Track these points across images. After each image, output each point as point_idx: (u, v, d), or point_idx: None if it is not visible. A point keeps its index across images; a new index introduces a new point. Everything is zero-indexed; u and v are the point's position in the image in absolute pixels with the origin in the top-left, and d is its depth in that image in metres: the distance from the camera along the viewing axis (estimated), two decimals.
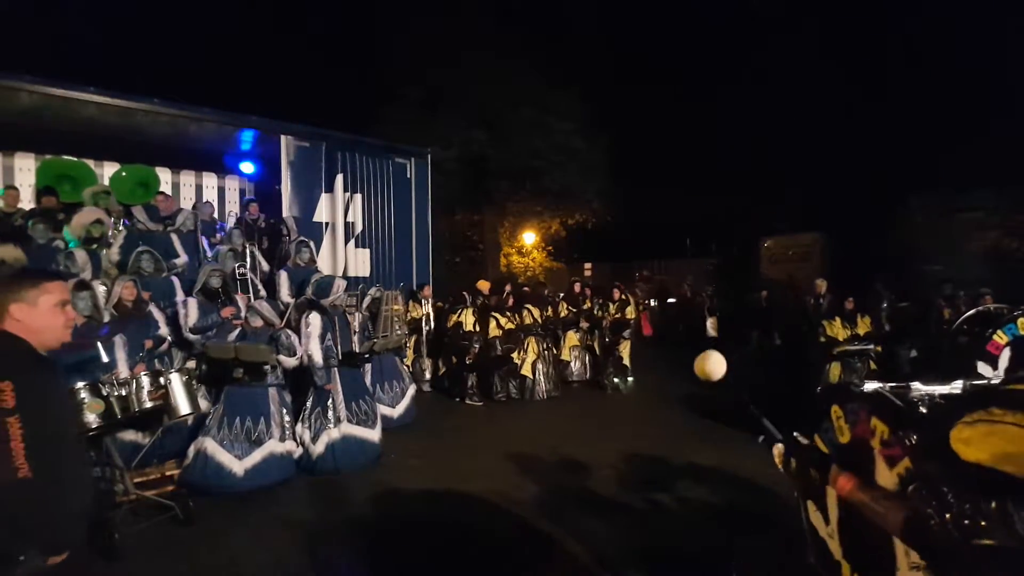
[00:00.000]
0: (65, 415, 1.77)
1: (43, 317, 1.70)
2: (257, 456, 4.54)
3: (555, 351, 8.31)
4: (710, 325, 12.44)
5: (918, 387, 1.87)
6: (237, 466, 4.43)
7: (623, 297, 8.74)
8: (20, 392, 1.59)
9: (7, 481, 1.53)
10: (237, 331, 4.85)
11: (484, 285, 8.73)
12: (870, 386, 1.90)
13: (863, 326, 7.11)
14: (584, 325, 8.56)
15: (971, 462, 1.13)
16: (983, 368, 3.46)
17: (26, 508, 1.57)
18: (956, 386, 1.86)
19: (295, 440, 4.91)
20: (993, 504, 1.08)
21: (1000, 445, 1.09)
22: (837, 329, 7.05)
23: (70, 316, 1.76)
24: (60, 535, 1.65)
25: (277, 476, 4.64)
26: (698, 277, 16.92)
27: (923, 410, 1.75)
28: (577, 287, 9.43)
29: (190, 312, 5.19)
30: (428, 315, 8.25)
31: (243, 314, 5.10)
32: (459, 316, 7.73)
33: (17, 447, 1.54)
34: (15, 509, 1.55)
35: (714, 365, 2.14)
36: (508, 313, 7.90)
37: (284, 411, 4.89)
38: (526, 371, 7.80)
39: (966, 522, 1.10)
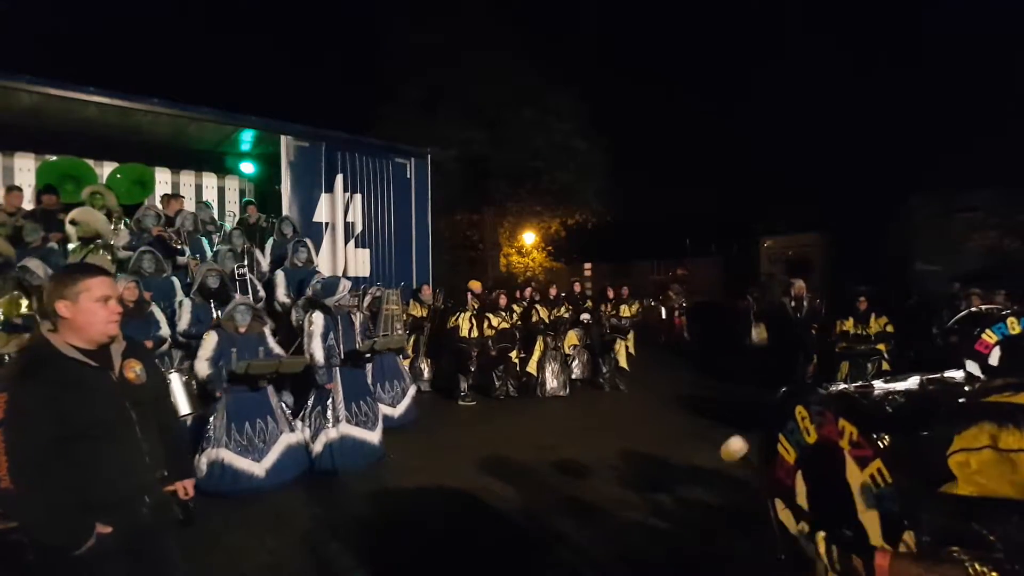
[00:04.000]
0: (82, 417, 1.77)
1: (84, 313, 1.78)
2: (274, 454, 4.58)
3: (563, 350, 8.31)
4: (755, 333, 10.81)
5: (880, 385, 1.89)
6: (257, 468, 4.46)
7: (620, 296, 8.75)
8: (11, 404, 1.66)
9: None
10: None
11: (475, 285, 8.72)
12: (835, 387, 1.91)
13: (876, 326, 7.08)
14: (586, 318, 8.49)
15: (968, 494, 1.10)
16: (971, 367, 3.50)
17: (15, 515, 1.72)
18: (913, 382, 1.87)
19: (299, 428, 4.96)
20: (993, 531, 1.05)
21: (1007, 473, 1.07)
22: (849, 328, 7.05)
23: (113, 310, 1.83)
24: (57, 536, 1.73)
25: (297, 469, 4.71)
26: (708, 276, 16.80)
27: (888, 409, 1.76)
28: (577, 287, 9.43)
29: (182, 316, 5.19)
30: (431, 313, 8.23)
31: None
32: (456, 320, 7.72)
33: (0, 459, 1.63)
34: (10, 515, 1.69)
35: (735, 447, 2.22)
36: (503, 313, 7.91)
37: (283, 404, 4.96)
38: (531, 368, 7.82)
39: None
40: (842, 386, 1.91)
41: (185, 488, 2.17)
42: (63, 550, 1.73)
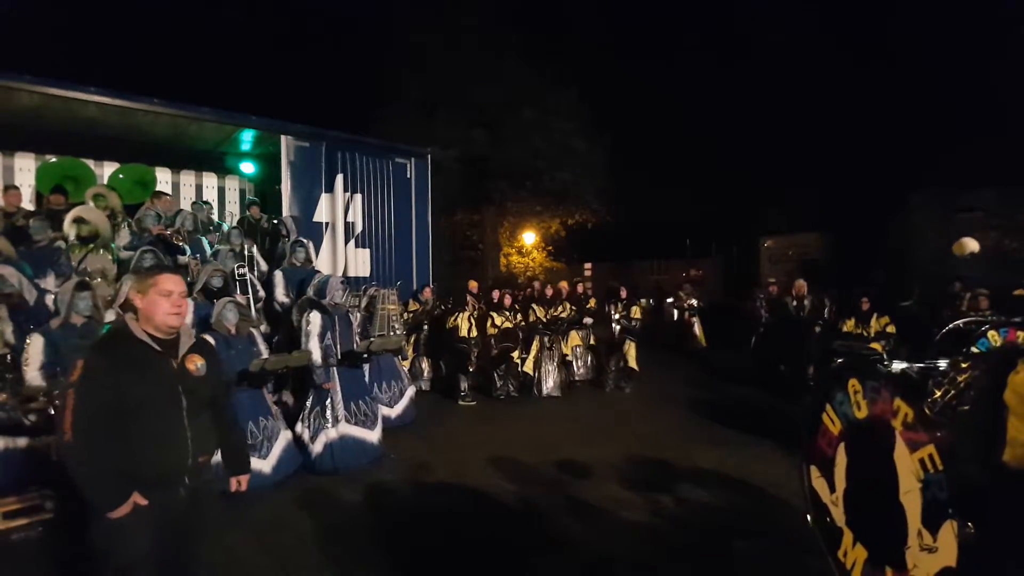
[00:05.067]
0: (138, 392, 2.01)
1: (151, 304, 2.08)
2: (277, 450, 4.67)
3: (563, 350, 8.31)
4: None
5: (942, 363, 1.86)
6: (264, 466, 4.52)
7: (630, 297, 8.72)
8: (86, 369, 1.99)
9: (59, 442, 1.97)
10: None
11: (473, 285, 8.75)
12: (897, 365, 1.89)
13: (876, 326, 7.11)
14: (588, 321, 8.50)
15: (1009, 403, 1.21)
16: None
17: (70, 467, 1.95)
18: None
19: (292, 427, 5.01)
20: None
21: None
22: (850, 329, 7.07)
23: (174, 303, 2.10)
24: (99, 494, 1.98)
25: (293, 465, 4.78)
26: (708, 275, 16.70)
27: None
28: (580, 287, 9.42)
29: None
30: (423, 309, 8.24)
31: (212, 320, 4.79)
32: (455, 320, 7.73)
33: (68, 414, 1.94)
34: (66, 467, 1.95)
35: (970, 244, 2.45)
36: (506, 312, 7.91)
37: (273, 402, 5.02)
38: (528, 368, 7.83)
39: None
40: (904, 365, 1.89)
41: (239, 482, 2.45)
42: (101, 510, 1.96)
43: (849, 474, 1.98)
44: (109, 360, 2.02)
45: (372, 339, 5.88)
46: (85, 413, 1.95)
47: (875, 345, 6.98)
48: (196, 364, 2.19)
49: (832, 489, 2.04)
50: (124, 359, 2.03)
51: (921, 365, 1.91)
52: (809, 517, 2.16)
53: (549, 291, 8.72)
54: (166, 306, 2.08)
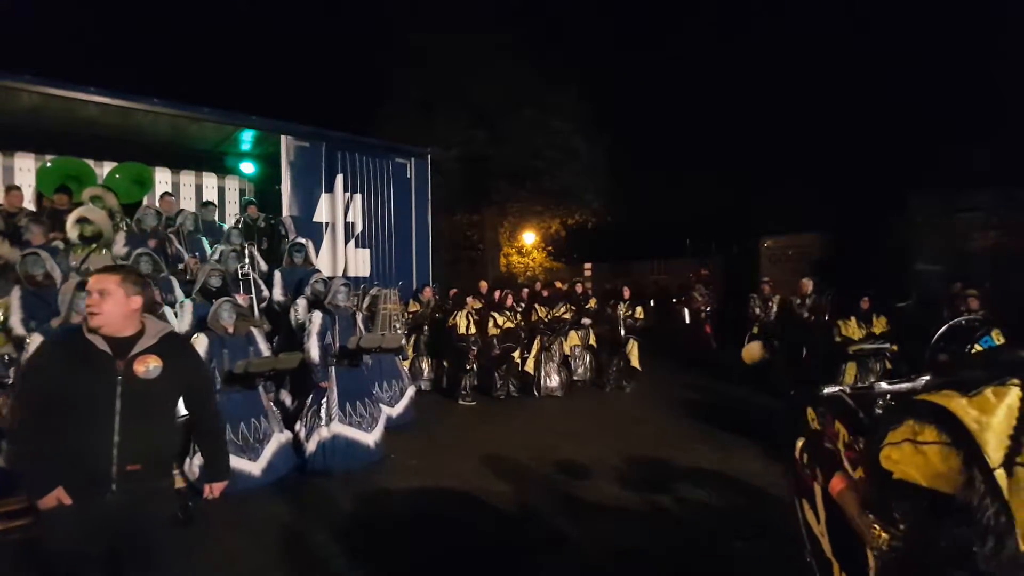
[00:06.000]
0: (70, 389, 1.99)
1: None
2: (268, 453, 4.64)
3: (564, 350, 8.32)
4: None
5: (881, 386, 1.88)
6: (254, 468, 4.51)
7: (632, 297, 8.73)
8: (34, 358, 2.11)
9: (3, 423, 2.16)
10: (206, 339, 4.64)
11: (483, 285, 8.77)
12: (830, 389, 1.92)
13: (879, 326, 7.09)
14: (587, 322, 8.50)
15: (908, 481, 1.14)
16: None
17: (8, 449, 2.12)
18: (920, 383, 1.86)
19: (290, 428, 5.02)
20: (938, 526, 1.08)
21: (930, 466, 1.10)
22: (852, 329, 7.03)
23: (90, 300, 2.07)
24: (27, 481, 2.06)
25: (286, 467, 4.76)
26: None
27: (879, 411, 1.76)
28: (580, 287, 9.42)
29: (184, 317, 5.18)
30: (423, 309, 8.24)
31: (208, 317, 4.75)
32: (454, 319, 7.73)
33: (12, 400, 2.16)
34: (6, 445, 2.11)
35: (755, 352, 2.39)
36: (508, 312, 7.91)
37: (272, 404, 5.02)
38: (528, 368, 7.83)
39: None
40: (836, 388, 1.91)
41: (212, 489, 2.38)
42: (29, 496, 2.04)
43: (826, 502, 1.98)
44: (53, 353, 2.08)
45: (361, 335, 5.77)
46: (23, 401, 2.03)
47: (894, 347, 6.96)
48: (147, 366, 2.05)
49: (819, 520, 2.04)
50: (65, 354, 2.05)
51: (857, 386, 1.93)
52: (808, 552, 2.17)
53: (546, 291, 8.74)
54: (88, 303, 2.06)
